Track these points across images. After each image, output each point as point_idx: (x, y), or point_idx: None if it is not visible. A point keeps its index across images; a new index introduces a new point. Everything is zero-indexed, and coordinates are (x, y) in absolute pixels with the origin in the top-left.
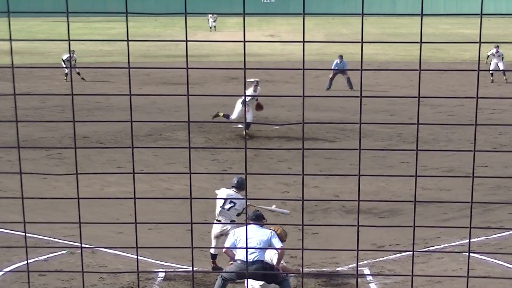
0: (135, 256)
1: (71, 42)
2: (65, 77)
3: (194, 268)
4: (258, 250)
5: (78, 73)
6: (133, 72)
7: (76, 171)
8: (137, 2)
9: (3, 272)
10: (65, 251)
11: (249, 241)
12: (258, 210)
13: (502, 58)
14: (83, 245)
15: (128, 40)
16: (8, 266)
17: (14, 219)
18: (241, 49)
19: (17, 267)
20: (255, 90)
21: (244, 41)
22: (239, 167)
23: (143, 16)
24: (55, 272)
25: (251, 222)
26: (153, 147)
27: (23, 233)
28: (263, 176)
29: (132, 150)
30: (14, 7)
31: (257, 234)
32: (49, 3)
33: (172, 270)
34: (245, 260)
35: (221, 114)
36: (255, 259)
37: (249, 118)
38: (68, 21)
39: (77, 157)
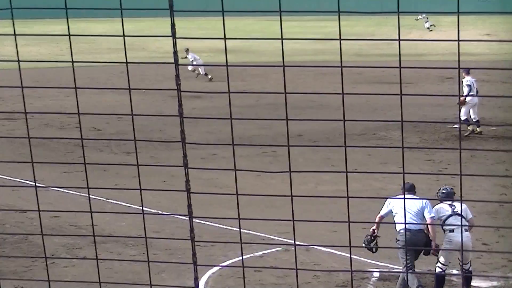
0: (349, 255)
1: (283, 41)
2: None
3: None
4: (418, 220)
5: (206, 74)
6: (346, 71)
7: (290, 169)
8: (351, 0)
9: (220, 267)
10: (280, 248)
11: (408, 211)
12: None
13: None
14: (296, 243)
15: (340, 39)
16: (225, 261)
17: (230, 215)
18: (456, 48)
19: (233, 262)
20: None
21: (458, 40)
22: (455, 168)
23: (356, 14)
24: (270, 268)
25: (407, 192)
26: (367, 146)
27: (238, 229)
28: (480, 177)
29: (345, 149)
30: (229, 6)
31: (414, 204)
32: (263, 2)
33: (387, 270)
34: (411, 229)
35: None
36: (418, 229)
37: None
38: (280, 20)
39: (290, 155)
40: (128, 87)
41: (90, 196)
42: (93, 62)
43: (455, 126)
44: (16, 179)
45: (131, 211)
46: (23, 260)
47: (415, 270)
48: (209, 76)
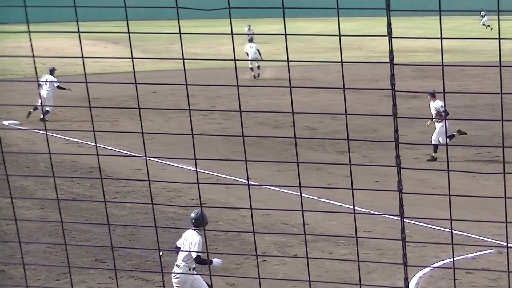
0: None
1: (501, 40)
2: None
3: None
4: None
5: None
6: None
7: (504, 170)
8: None
9: (431, 268)
10: (493, 250)
11: None
12: None
13: None
14: (510, 245)
15: None
16: (436, 262)
17: (442, 216)
18: None
19: (444, 263)
20: None
21: None
22: None
23: None
24: (482, 270)
25: None
26: None
27: (450, 230)
28: None
29: None
30: (445, 6)
31: None
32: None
33: None
34: None
35: None
36: None
37: None
38: (498, 20)
39: (505, 156)
40: (342, 87)
41: (302, 194)
42: (308, 61)
43: None
44: (230, 177)
45: (342, 210)
46: (235, 257)
47: None
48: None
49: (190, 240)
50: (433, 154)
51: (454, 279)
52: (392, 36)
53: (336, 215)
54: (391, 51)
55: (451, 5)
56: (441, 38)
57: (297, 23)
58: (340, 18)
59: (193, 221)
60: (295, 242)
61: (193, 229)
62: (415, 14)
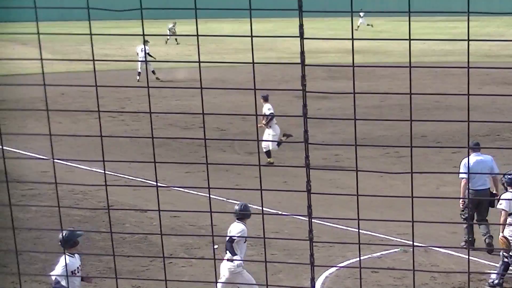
0: (467, 257)
1: (412, 41)
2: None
3: None
4: (486, 179)
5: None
6: (473, 71)
7: (411, 169)
8: (482, 1)
9: (337, 268)
10: (398, 249)
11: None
12: None
13: None
14: (415, 244)
15: (468, 40)
16: (342, 262)
17: (350, 216)
18: None
19: (350, 263)
20: None
21: None
22: None
23: (487, 15)
24: (388, 269)
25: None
26: (491, 147)
27: (357, 230)
28: None
29: (468, 151)
30: (357, 7)
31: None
32: (392, 2)
33: (510, 272)
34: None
35: None
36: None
37: None
38: (409, 21)
39: (413, 156)
40: (253, 88)
41: (211, 196)
42: (220, 62)
43: None
44: (138, 179)
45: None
46: (141, 259)
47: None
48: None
49: (236, 231)
50: (269, 160)
51: (360, 278)
52: (304, 37)
53: None
54: (302, 52)
55: (362, 6)
56: (352, 39)
57: (208, 24)
58: (252, 19)
59: (237, 213)
60: (202, 243)
61: (237, 222)
62: (327, 15)
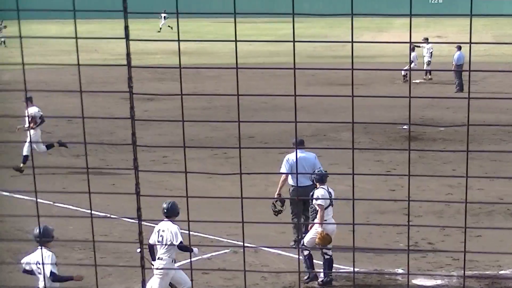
0: (297, 256)
1: (238, 43)
2: None
3: (356, 269)
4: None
5: None
6: (298, 72)
7: (240, 170)
8: (305, 2)
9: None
10: (228, 250)
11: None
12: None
13: None
14: (245, 244)
15: (294, 41)
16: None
17: (179, 217)
18: (408, 50)
19: (181, 265)
20: None
21: (410, 42)
22: (403, 169)
23: (310, 16)
24: (218, 270)
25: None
26: (317, 147)
27: (187, 232)
28: (427, 177)
29: (296, 151)
30: (183, 8)
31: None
32: (217, 4)
33: (334, 270)
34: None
35: None
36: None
37: None
38: (235, 22)
39: (241, 156)
40: (79, 90)
41: (38, 200)
42: (44, 64)
43: (404, 127)
44: None
45: (78, 215)
46: None
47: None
48: None
49: (170, 230)
50: (21, 166)
51: (192, 280)
52: (130, 38)
53: (72, 219)
54: (128, 54)
55: (188, 7)
56: (179, 40)
57: (32, 25)
58: (76, 20)
59: (165, 211)
60: (29, 248)
61: (166, 220)
62: (154, 16)
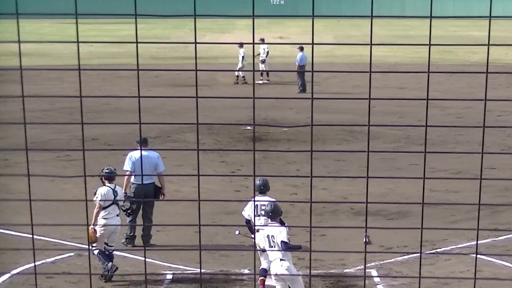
0: (143, 258)
1: (80, 44)
2: None
3: (202, 270)
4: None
5: None
6: (142, 74)
7: (84, 173)
8: (147, 4)
9: (10, 275)
10: (73, 253)
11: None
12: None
13: None
14: (90, 247)
15: (137, 42)
16: (16, 269)
17: (22, 221)
18: (251, 51)
19: (24, 269)
20: None
21: (253, 43)
22: (248, 169)
23: (153, 18)
24: (63, 274)
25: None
26: (162, 149)
27: (31, 235)
28: (272, 178)
29: (141, 152)
30: (23, 9)
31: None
32: (58, 5)
33: (180, 272)
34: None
35: None
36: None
37: None
38: (77, 23)
39: (85, 159)
40: None
41: None
42: None
43: (248, 127)
44: None
45: None
46: None
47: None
48: None
49: (279, 230)
50: None
51: (36, 285)
52: None
53: None
54: None
55: (28, 8)
56: (19, 42)
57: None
58: None
59: (270, 214)
60: None
61: (271, 223)
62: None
